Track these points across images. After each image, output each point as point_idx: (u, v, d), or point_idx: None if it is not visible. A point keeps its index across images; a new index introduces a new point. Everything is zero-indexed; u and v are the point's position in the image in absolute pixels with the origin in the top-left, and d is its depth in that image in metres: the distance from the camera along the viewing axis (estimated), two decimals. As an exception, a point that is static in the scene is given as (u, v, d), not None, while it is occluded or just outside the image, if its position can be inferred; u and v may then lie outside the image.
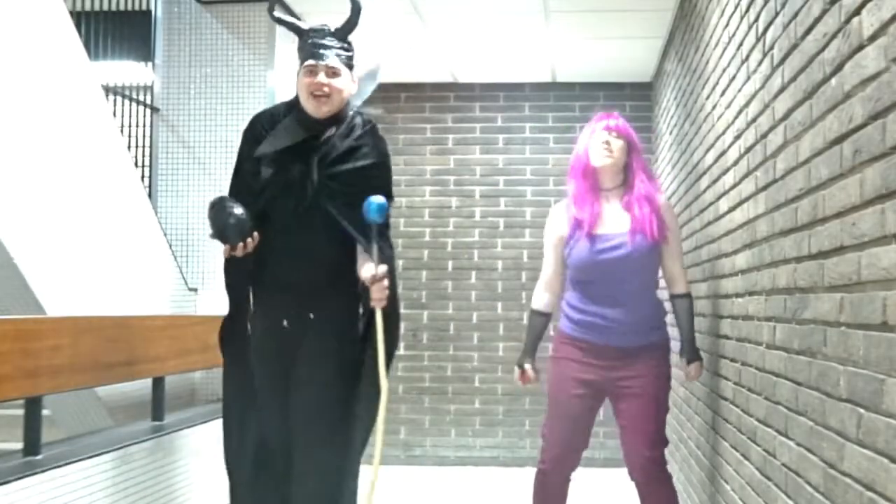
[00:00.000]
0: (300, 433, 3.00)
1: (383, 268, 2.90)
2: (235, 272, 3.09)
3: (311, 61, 2.99)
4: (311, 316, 3.03)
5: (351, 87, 3.06)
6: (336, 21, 3.07)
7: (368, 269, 2.91)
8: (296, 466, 3.00)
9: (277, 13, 3.18)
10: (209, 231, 2.94)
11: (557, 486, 3.46)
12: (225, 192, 3.16)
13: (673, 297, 3.47)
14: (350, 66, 3.04)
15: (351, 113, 3.10)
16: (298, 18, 3.26)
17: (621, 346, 3.31)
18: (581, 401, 3.39)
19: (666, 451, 3.39)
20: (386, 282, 2.91)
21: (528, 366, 3.49)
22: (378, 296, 2.91)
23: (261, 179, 3.02)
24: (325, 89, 2.97)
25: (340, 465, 3.02)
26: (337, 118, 3.05)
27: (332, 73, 2.99)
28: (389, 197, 3.07)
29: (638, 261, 3.32)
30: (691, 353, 3.43)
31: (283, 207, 3.00)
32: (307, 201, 2.98)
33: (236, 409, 3.14)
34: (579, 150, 3.45)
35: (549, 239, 3.50)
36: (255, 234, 2.91)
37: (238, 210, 2.89)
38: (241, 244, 2.89)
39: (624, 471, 3.46)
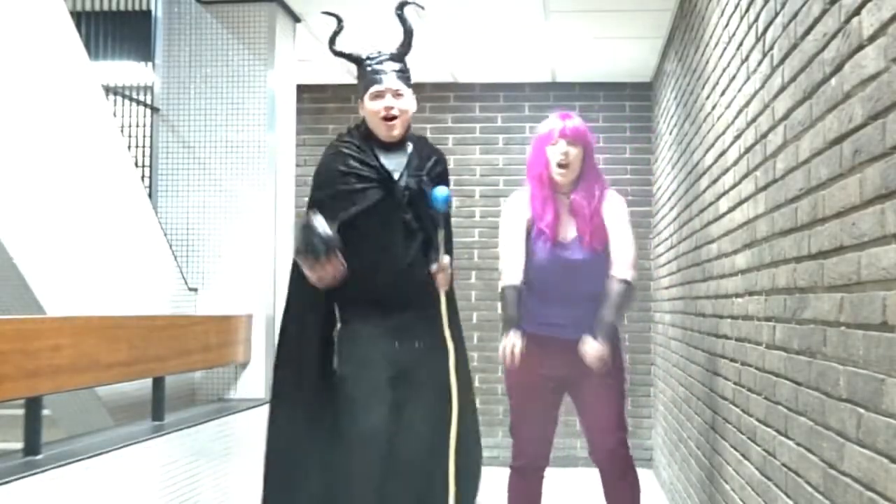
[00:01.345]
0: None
1: (446, 258, 3.11)
2: (307, 306, 3.14)
3: (376, 87, 3.11)
4: (417, 345, 3.14)
5: (413, 106, 3.21)
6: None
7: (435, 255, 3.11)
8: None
9: (338, 47, 3.24)
10: (295, 248, 3.02)
11: (532, 482, 3.49)
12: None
13: (610, 278, 3.37)
14: (410, 87, 3.18)
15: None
16: (337, 22, 3.30)
17: (574, 339, 3.32)
18: (543, 394, 3.43)
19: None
20: (449, 269, 3.13)
21: (513, 340, 3.29)
22: (443, 282, 3.12)
23: (359, 208, 3.09)
24: (394, 111, 3.10)
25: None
26: (405, 137, 3.20)
27: (397, 94, 3.12)
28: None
29: (586, 262, 3.37)
30: (600, 329, 3.28)
31: (382, 225, 3.10)
32: (407, 213, 3.11)
33: (296, 457, 3.11)
34: (537, 155, 3.45)
35: (516, 221, 3.45)
36: (340, 255, 2.94)
37: (326, 228, 2.92)
38: (324, 260, 2.91)
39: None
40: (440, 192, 3.11)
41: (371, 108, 3.12)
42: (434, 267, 3.11)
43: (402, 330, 3.12)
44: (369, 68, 3.14)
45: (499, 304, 6.31)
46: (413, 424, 3.07)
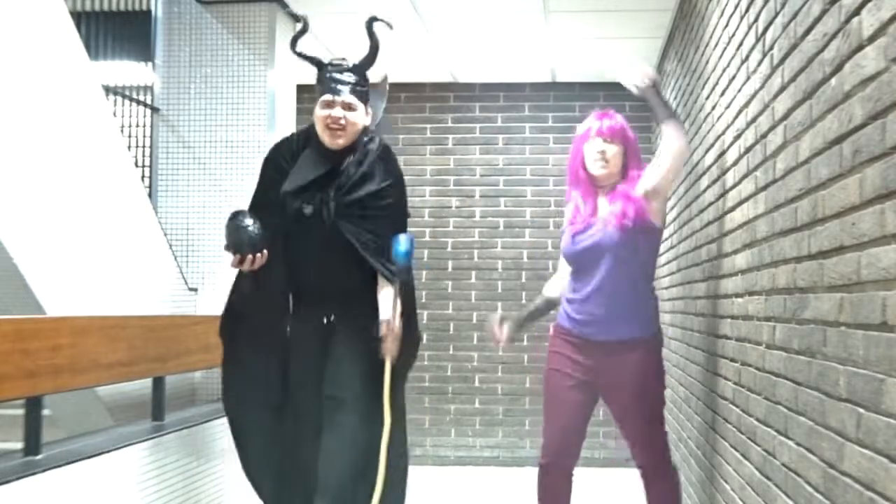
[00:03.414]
0: (332, 401, 3.19)
1: (398, 322, 3.13)
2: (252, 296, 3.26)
3: (328, 96, 3.15)
4: (337, 324, 3.25)
5: (365, 120, 3.23)
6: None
7: (385, 310, 3.14)
8: (324, 440, 3.17)
9: (299, 48, 3.29)
10: (223, 242, 3.09)
11: (559, 480, 3.46)
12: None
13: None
14: (365, 101, 3.21)
15: (365, 139, 3.26)
16: (302, 24, 3.34)
17: (603, 340, 3.32)
18: (573, 394, 3.40)
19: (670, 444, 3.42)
20: (398, 330, 3.14)
21: (505, 322, 3.61)
22: (389, 346, 3.14)
23: (286, 210, 3.19)
24: (341, 122, 3.14)
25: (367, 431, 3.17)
26: (352, 147, 3.22)
27: (348, 107, 3.15)
28: (404, 214, 3.32)
29: (610, 249, 3.29)
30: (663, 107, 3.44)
31: (307, 236, 3.19)
32: (327, 229, 3.16)
33: (258, 419, 3.31)
34: (575, 153, 3.47)
35: (564, 234, 3.53)
36: (265, 251, 3.09)
37: (254, 226, 3.08)
38: (250, 257, 3.07)
39: (624, 470, 3.49)
40: (401, 243, 3.15)
41: (319, 114, 3.17)
42: (382, 328, 3.14)
43: (326, 314, 3.26)
44: (328, 76, 3.17)
45: (499, 304, 6.45)
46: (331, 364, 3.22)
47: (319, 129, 3.18)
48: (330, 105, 3.14)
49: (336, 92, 3.14)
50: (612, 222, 3.31)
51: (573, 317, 3.40)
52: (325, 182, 3.19)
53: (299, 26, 3.31)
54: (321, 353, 3.22)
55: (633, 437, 3.43)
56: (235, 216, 3.11)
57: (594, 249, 3.33)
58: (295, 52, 3.30)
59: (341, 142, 3.17)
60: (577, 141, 3.48)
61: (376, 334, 3.14)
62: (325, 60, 3.22)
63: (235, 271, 3.21)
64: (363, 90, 3.20)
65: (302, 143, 3.29)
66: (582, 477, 3.60)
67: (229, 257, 3.11)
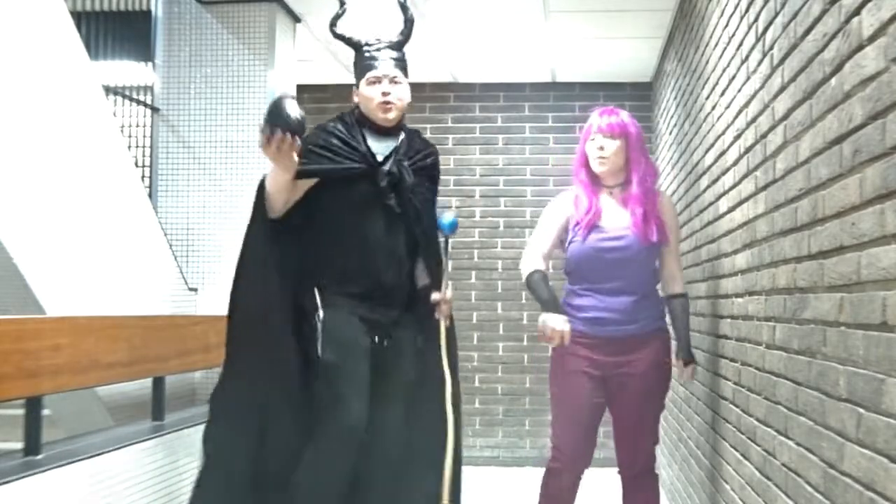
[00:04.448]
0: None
1: (450, 290, 3.17)
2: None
3: (374, 72, 3.10)
4: (387, 343, 3.12)
5: (409, 97, 3.19)
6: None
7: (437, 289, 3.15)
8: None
9: (338, 30, 3.23)
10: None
11: (569, 484, 3.42)
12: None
13: (670, 297, 3.45)
14: (407, 76, 3.17)
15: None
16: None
17: (622, 337, 3.30)
18: (591, 396, 3.36)
19: (660, 452, 3.40)
20: (449, 293, 3.16)
21: (560, 318, 3.22)
22: (445, 312, 3.16)
23: (338, 196, 3.08)
24: (391, 97, 3.09)
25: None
26: (399, 125, 3.20)
27: (394, 81, 3.11)
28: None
29: (637, 255, 3.31)
30: (687, 353, 3.42)
31: (362, 212, 3.09)
32: (389, 199, 3.10)
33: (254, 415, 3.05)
34: (579, 151, 3.46)
35: (556, 215, 3.44)
36: (298, 141, 2.84)
37: (297, 109, 2.86)
38: (279, 135, 2.78)
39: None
40: (448, 216, 3.18)
41: (367, 93, 3.10)
42: (436, 296, 3.15)
43: (380, 327, 3.10)
44: (367, 54, 3.13)
45: (499, 304, 6.40)
46: (386, 428, 3.07)
47: (370, 107, 3.11)
48: (377, 81, 3.09)
49: (378, 68, 3.10)
50: (638, 233, 3.30)
51: (589, 316, 3.31)
52: (377, 155, 3.12)
53: (339, 9, 3.24)
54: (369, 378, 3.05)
55: (630, 438, 3.39)
56: (282, 97, 2.93)
57: (622, 253, 3.30)
58: (334, 34, 3.23)
59: (392, 115, 3.11)
60: (581, 140, 3.47)
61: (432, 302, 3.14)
62: (362, 41, 3.17)
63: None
64: (404, 65, 3.16)
65: (345, 129, 3.14)
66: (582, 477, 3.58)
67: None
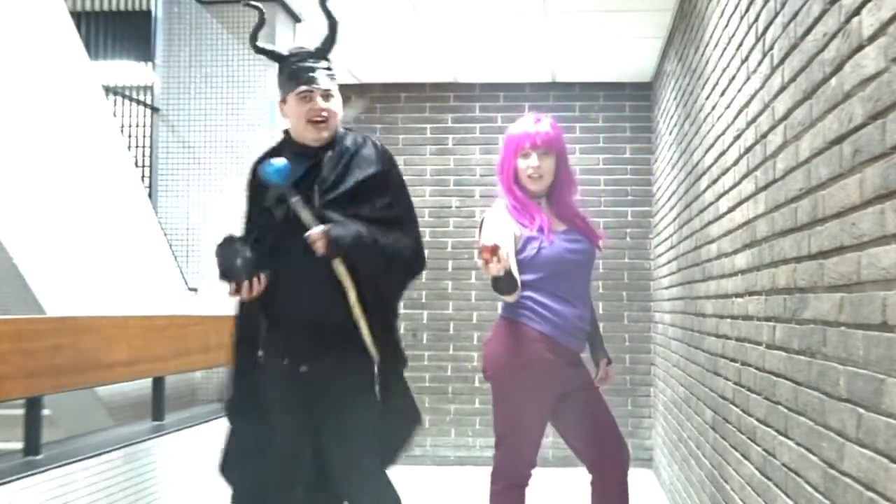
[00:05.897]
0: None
1: (317, 229, 2.77)
2: (246, 320, 2.97)
3: (303, 87, 2.88)
4: (327, 361, 2.89)
5: (342, 109, 3.00)
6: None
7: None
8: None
9: (260, 43, 3.02)
10: (216, 272, 2.82)
11: (518, 499, 3.23)
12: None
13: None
14: (336, 86, 2.96)
15: (340, 131, 2.99)
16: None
17: (575, 348, 3.25)
18: (550, 408, 3.21)
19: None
20: (320, 233, 2.77)
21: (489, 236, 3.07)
22: (321, 249, 2.78)
23: (271, 222, 2.88)
24: (325, 114, 2.89)
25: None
26: (332, 142, 2.96)
27: (327, 95, 2.91)
28: (404, 195, 3.03)
29: (592, 259, 3.32)
30: (606, 353, 3.44)
31: (292, 244, 2.82)
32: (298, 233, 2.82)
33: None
34: (507, 163, 3.27)
35: (504, 230, 3.18)
36: (262, 276, 2.79)
37: (245, 251, 2.78)
38: (246, 284, 2.76)
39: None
40: (272, 163, 2.82)
41: (298, 109, 2.88)
42: (308, 235, 2.79)
43: (306, 355, 2.90)
44: (295, 66, 2.89)
45: (499, 304, 6.28)
46: (329, 451, 2.90)
47: (300, 125, 2.90)
48: (308, 97, 2.87)
49: (312, 81, 2.87)
50: (591, 238, 3.29)
51: (556, 324, 3.15)
52: (307, 184, 2.87)
53: (258, 21, 3.01)
54: (305, 401, 2.90)
55: (600, 429, 3.24)
56: (223, 242, 2.81)
57: (585, 256, 3.27)
58: (254, 47, 2.99)
59: (326, 134, 2.90)
60: (511, 149, 3.26)
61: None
62: (285, 52, 2.96)
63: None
64: (334, 75, 2.94)
65: (280, 151, 2.96)
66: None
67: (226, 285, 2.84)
